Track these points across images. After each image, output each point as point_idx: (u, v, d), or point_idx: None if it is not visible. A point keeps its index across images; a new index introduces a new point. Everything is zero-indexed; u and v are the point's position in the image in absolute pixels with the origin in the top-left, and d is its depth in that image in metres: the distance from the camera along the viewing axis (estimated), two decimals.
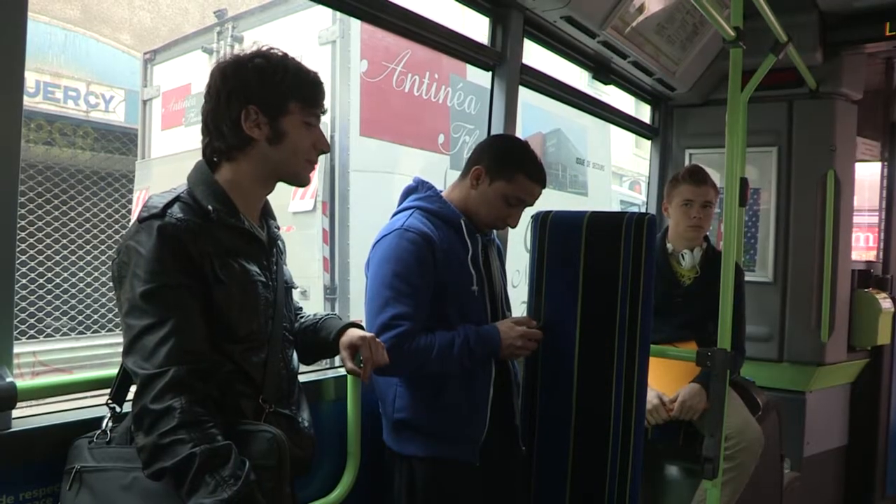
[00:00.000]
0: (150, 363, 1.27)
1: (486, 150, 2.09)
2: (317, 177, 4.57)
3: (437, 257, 1.94)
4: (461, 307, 2.00)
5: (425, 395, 1.98)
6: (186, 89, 5.95)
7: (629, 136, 5.77)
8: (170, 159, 5.93)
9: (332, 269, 4.67)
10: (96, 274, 6.99)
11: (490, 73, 2.70)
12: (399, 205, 2.10)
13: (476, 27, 2.72)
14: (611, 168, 8.52)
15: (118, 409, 1.45)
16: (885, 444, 4.12)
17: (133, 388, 1.33)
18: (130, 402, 1.36)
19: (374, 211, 4.11)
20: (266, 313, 1.48)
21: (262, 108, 1.43)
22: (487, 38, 2.65)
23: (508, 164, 2.02)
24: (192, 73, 5.88)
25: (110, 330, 6.81)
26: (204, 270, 1.35)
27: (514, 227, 2.13)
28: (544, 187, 2.08)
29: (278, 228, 1.61)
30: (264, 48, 1.46)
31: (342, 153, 4.68)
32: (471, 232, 2.04)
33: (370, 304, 1.95)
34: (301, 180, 1.53)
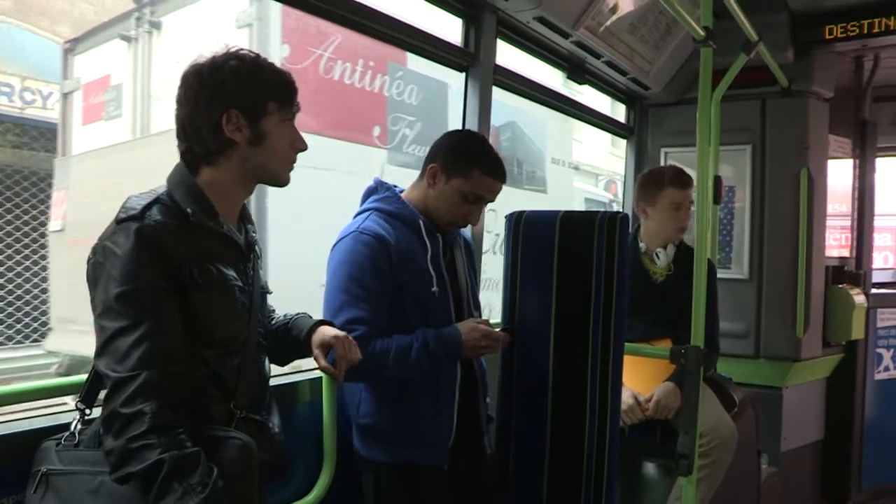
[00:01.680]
0: (123, 366, 1.26)
1: (441, 147, 2.05)
2: None
3: (392, 259, 1.92)
4: (422, 309, 1.97)
5: (390, 400, 1.96)
6: (106, 81, 5.60)
7: (605, 135, 5.68)
8: (90, 155, 5.57)
9: None
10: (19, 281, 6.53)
11: (463, 73, 2.70)
12: (360, 206, 2.08)
13: (442, 24, 2.70)
14: (573, 163, 8.25)
15: (87, 412, 1.43)
16: (861, 438, 4.17)
17: (103, 391, 1.32)
18: (99, 405, 1.35)
19: (296, 210, 4.03)
20: (242, 318, 1.47)
21: (242, 110, 1.41)
22: (460, 40, 2.65)
23: (464, 161, 1.99)
24: (112, 63, 5.53)
25: (36, 341, 6.39)
26: (181, 274, 1.34)
27: (475, 224, 2.10)
28: (504, 182, 2.04)
29: (255, 232, 1.60)
30: (234, 49, 1.45)
31: None
32: (430, 232, 2.01)
33: (326, 309, 1.93)
34: (281, 180, 1.52)
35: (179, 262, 1.34)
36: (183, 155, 1.46)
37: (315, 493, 1.98)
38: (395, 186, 2.09)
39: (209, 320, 1.38)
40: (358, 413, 1.99)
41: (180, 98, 1.44)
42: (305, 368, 2.15)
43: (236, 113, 1.41)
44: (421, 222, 2.00)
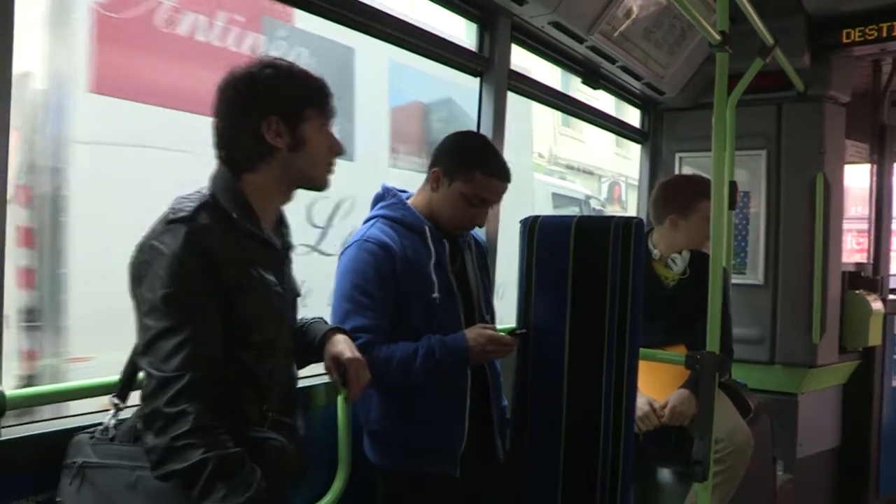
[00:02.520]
0: (167, 366, 1.28)
1: (442, 150, 2.06)
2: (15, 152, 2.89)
3: (397, 267, 1.92)
4: (427, 316, 1.97)
5: (400, 407, 1.97)
6: None
7: (610, 136, 5.45)
8: None
9: (37, 283, 3.07)
10: None
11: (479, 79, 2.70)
12: (369, 213, 2.09)
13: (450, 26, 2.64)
14: (533, 151, 7.67)
15: (121, 406, 1.46)
16: (878, 444, 4.13)
17: (138, 389, 1.36)
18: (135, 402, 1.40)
19: (119, 199, 3.08)
20: (278, 321, 1.50)
21: (281, 117, 1.45)
22: (475, 44, 2.65)
23: (465, 163, 1.98)
24: None
25: None
26: (226, 278, 1.37)
27: (481, 226, 2.09)
28: (508, 182, 2.03)
29: (289, 235, 1.63)
30: (269, 59, 1.49)
31: (54, 116, 3.13)
32: (435, 238, 2.01)
33: (332, 317, 1.94)
34: (321, 184, 1.56)
35: (225, 266, 1.37)
36: (224, 161, 1.49)
37: (328, 499, 1.98)
38: (403, 192, 2.10)
39: (249, 323, 1.41)
40: (368, 420, 1.99)
41: (217, 108, 1.48)
42: (321, 373, 2.16)
43: (276, 120, 1.45)
44: (427, 228, 2.00)
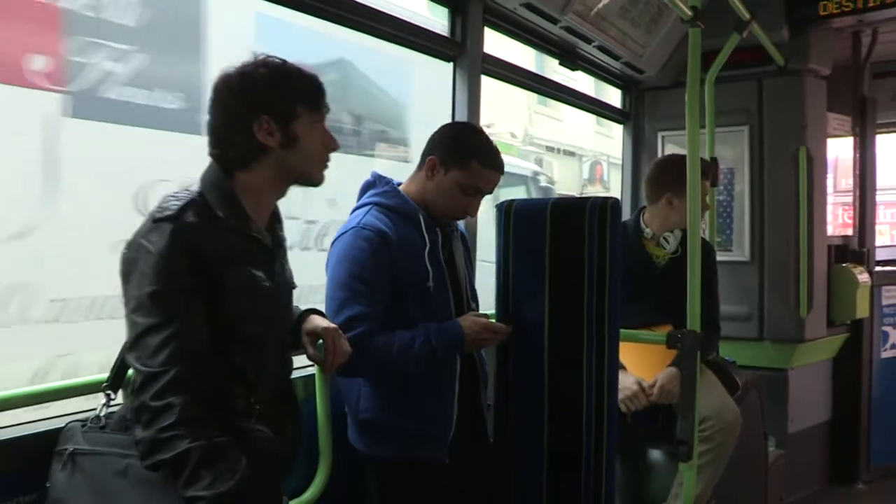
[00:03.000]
0: (153, 361, 1.31)
1: (438, 138, 2.06)
2: None
3: (393, 255, 1.92)
4: (422, 304, 1.97)
5: (390, 395, 1.96)
6: None
7: (590, 114, 5.10)
8: None
9: None
10: None
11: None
12: (357, 201, 2.08)
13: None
14: (506, 130, 7.80)
15: (112, 397, 1.49)
16: (869, 417, 4.15)
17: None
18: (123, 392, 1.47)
19: None
20: (268, 315, 1.52)
21: (273, 116, 1.46)
22: (447, 29, 2.62)
23: (461, 152, 1.99)
24: None
25: None
26: (212, 275, 1.39)
27: (473, 216, 2.11)
28: (501, 173, 2.05)
29: (282, 230, 1.64)
30: (262, 57, 1.50)
31: None
32: (429, 226, 2.01)
33: (328, 306, 1.93)
34: (315, 181, 1.57)
35: (210, 264, 1.39)
36: (217, 159, 1.51)
37: (311, 492, 1.97)
38: (393, 180, 2.09)
39: (236, 320, 1.43)
40: (358, 408, 1.98)
41: (211, 107, 1.50)
42: (298, 366, 2.14)
43: (267, 119, 1.46)
44: (421, 216, 2.00)
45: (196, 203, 1.42)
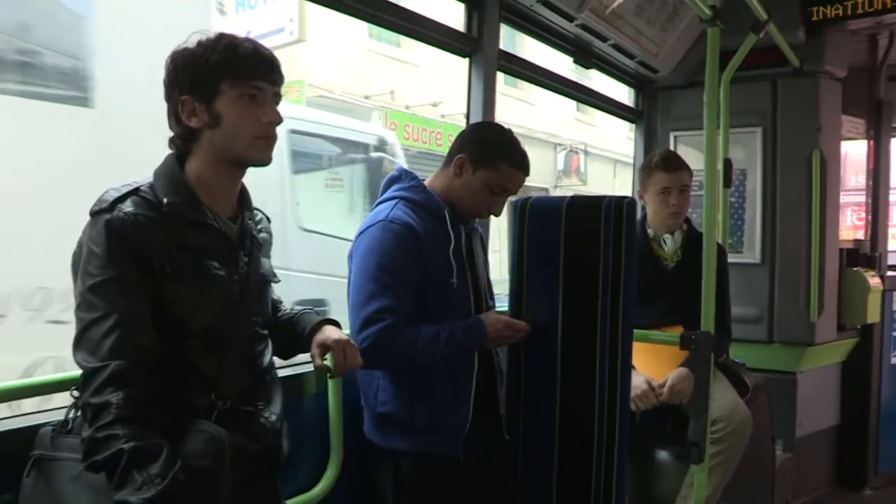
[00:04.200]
0: (95, 356, 1.28)
1: (468, 138, 2.08)
2: None
3: (422, 249, 1.93)
4: (444, 299, 1.98)
5: (408, 388, 1.96)
6: None
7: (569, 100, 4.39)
8: None
9: None
10: None
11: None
12: (381, 194, 2.08)
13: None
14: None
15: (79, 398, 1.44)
16: (877, 422, 4.12)
17: None
18: None
19: None
20: (228, 309, 1.45)
21: (194, 95, 1.40)
22: (463, 25, 2.61)
23: (490, 153, 2.01)
24: None
25: None
26: (153, 265, 1.34)
27: (497, 215, 2.11)
28: (527, 175, 2.06)
29: (252, 220, 1.57)
30: (202, 37, 1.42)
31: None
32: (454, 223, 2.02)
33: (354, 298, 1.93)
34: (252, 159, 1.46)
35: (150, 254, 1.34)
36: (170, 145, 1.47)
37: (322, 486, 1.98)
38: (418, 175, 2.10)
39: (184, 311, 1.38)
40: (376, 401, 1.99)
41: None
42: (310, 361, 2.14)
43: (188, 99, 1.40)
44: (446, 213, 2.01)
45: (140, 193, 1.38)
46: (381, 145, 5.72)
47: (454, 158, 2.04)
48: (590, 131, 16.08)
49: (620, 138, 16.84)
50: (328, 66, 11.77)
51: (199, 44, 1.41)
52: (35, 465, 1.36)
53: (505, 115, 14.42)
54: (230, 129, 1.42)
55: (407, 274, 1.91)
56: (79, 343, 1.30)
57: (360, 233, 1.99)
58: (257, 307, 1.55)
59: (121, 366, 1.27)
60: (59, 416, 1.42)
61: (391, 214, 1.95)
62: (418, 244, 1.92)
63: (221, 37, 1.43)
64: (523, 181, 2.06)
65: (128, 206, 1.35)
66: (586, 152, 15.90)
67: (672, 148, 3.92)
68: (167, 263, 1.36)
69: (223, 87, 1.41)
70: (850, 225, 4.70)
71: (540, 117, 15.40)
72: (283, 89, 1.49)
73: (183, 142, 1.44)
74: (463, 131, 2.14)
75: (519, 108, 14.45)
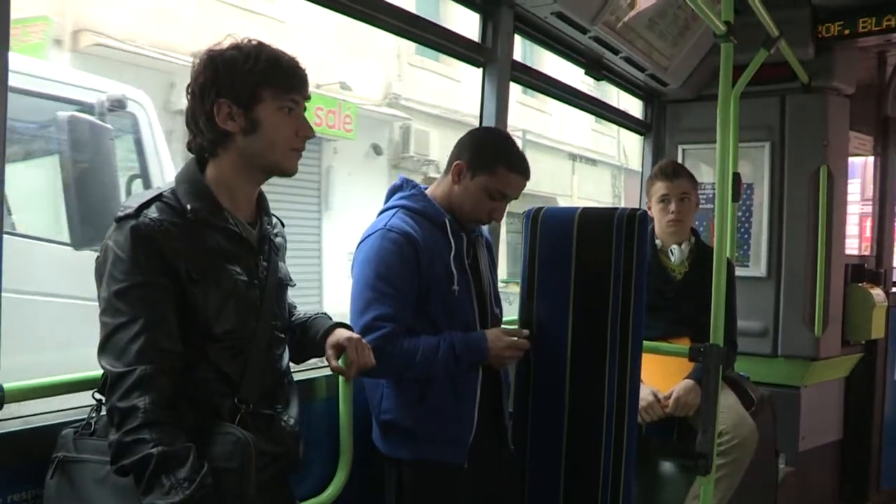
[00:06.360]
0: (121, 361, 1.30)
1: (466, 144, 2.07)
2: None
3: (420, 258, 1.93)
4: (446, 307, 1.98)
5: (412, 397, 1.97)
6: None
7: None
8: None
9: None
10: None
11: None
12: (384, 203, 2.09)
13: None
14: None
15: (104, 402, 1.44)
16: (880, 438, 4.13)
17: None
18: None
19: None
20: (249, 312, 1.47)
21: (233, 99, 1.41)
22: (478, 35, 2.63)
23: (489, 158, 2.00)
24: None
25: None
26: (178, 270, 1.36)
27: (499, 221, 2.12)
28: (528, 179, 2.06)
29: (271, 225, 1.59)
30: (240, 40, 1.44)
31: None
32: (455, 231, 2.02)
33: (353, 306, 1.94)
34: (284, 170, 1.50)
35: (175, 259, 1.35)
36: (188, 146, 1.48)
37: (331, 491, 1.98)
38: (420, 184, 2.11)
39: (209, 316, 1.40)
40: (380, 409, 2.00)
41: (187, 89, 1.46)
42: (322, 365, 2.15)
43: (227, 102, 1.41)
44: (447, 220, 2.01)
45: (163, 199, 1.39)
46: (110, 108, 3.56)
47: (453, 165, 2.04)
48: (540, 118, 13.87)
49: (583, 131, 15.38)
50: (134, 9, 8.46)
51: (240, 49, 1.43)
52: (59, 466, 1.37)
53: (409, 88, 11.88)
54: (268, 137, 1.44)
55: (405, 282, 1.92)
56: (104, 347, 1.32)
57: (360, 242, 2.00)
58: (276, 311, 1.57)
59: (147, 370, 1.28)
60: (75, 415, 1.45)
61: (390, 223, 1.96)
62: (417, 252, 1.93)
63: (262, 46, 1.45)
64: (523, 185, 2.05)
65: (153, 212, 1.37)
66: (525, 140, 12.98)
67: (680, 161, 3.94)
68: (192, 268, 1.37)
69: (264, 94, 1.43)
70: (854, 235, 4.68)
71: (464, 96, 11.76)
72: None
73: (211, 145, 1.45)
74: (462, 137, 2.12)
75: (438, 83, 12.38)
